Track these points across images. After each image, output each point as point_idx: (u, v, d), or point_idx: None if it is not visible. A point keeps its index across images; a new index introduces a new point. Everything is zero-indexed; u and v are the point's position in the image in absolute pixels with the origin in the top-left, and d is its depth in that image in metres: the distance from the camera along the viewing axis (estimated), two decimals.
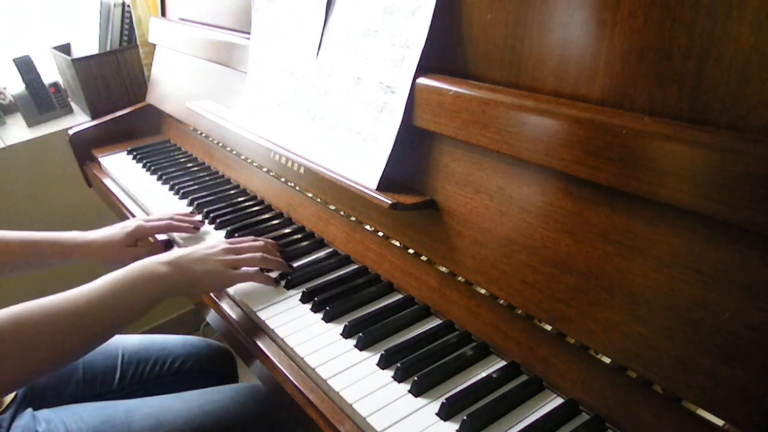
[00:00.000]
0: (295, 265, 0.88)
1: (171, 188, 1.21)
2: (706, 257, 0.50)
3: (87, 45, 1.73)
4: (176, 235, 1.02)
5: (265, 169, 1.11)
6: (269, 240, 0.91)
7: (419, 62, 0.74)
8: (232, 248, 0.84)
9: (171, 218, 1.01)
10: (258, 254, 0.84)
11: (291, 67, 0.99)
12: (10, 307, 0.64)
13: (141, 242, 1.00)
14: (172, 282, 0.76)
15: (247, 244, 0.86)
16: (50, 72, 1.82)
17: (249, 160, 1.16)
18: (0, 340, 0.61)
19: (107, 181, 1.34)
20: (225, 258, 0.81)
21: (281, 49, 1.01)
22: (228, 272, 0.80)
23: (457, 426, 0.59)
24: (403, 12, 0.77)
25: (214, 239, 0.99)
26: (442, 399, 0.62)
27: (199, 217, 1.06)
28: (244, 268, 0.83)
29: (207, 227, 1.04)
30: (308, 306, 0.79)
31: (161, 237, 1.04)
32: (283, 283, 0.84)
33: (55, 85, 1.75)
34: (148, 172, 1.31)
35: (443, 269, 0.76)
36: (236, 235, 0.98)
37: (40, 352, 0.64)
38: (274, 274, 0.85)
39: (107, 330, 0.72)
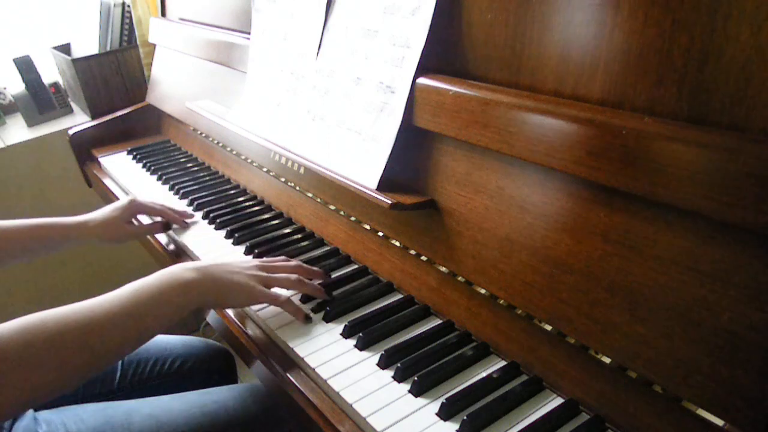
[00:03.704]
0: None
1: (171, 188, 1.21)
2: (706, 257, 0.50)
3: (87, 45, 1.73)
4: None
5: (265, 169, 1.11)
6: (302, 264, 0.83)
7: (419, 62, 0.74)
8: (265, 266, 0.79)
9: (163, 205, 1.04)
10: (293, 276, 0.78)
11: (291, 67, 0.99)
12: (22, 317, 0.59)
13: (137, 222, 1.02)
14: (201, 290, 0.71)
15: (280, 264, 0.80)
16: (50, 72, 1.82)
17: (249, 160, 1.16)
18: (5, 355, 0.55)
19: (107, 181, 1.34)
20: (257, 273, 0.76)
21: (281, 49, 1.01)
22: (258, 288, 0.74)
23: (457, 426, 0.59)
24: (403, 12, 0.77)
25: (211, 237, 1.00)
26: (442, 399, 0.61)
27: (193, 215, 1.07)
28: (276, 289, 0.78)
29: (207, 227, 1.04)
30: (309, 306, 0.79)
31: (158, 218, 1.06)
32: None
33: (55, 85, 1.75)
34: (148, 172, 1.31)
35: (443, 269, 0.76)
36: (236, 235, 0.98)
37: (52, 368, 0.58)
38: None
39: (130, 342, 0.66)
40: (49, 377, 0.58)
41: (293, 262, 0.83)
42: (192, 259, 0.98)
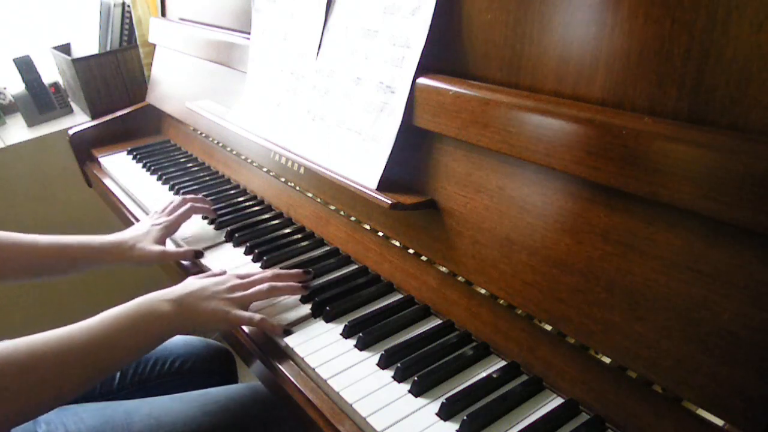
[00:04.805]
0: (292, 263, 0.88)
1: (171, 188, 1.21)
2: (706, 257, 0.50)
3: (87, 45, 1.73)
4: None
5: (265, 169, 1.11)
6: (280, 272, 0.84)
7: (419, 62, 0.74)
8: (241, 284, 0.79)
9: (191, 202, 1.03)
10: (264, 285, 0.79)
11: (291, 67, 0.99)
12: None
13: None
14: (177, 322, 0.72)
15: (256, 278, 0.81)
16: (50, 72, 1.82)
17: (249, 160, 1.16)
18: None
19: (107, 181, 1.34)
20: (231, 296, 0.76)
21: (281, 49, 1.01)
22: (233, 314, 0.74)
23: (457, 426, 0.59)
24: (403, 12, 0.77)
25: (211, 238, 1.00)
26: (442, 399, 0.62)
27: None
28: (254, 304, 0.79)
29: (206, 227, 1.04)
30: (308, 306, 0.79)
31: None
32: None
33: (55, 85, 1.75)
34: (148, 172, 1.31)
35: (443, 269, 0.76)
36: (236, 235, 0.98)
37: (25, 395, 0.58)
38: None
39: (103, 371, 0.67)
40: (16, 407, 0.58)
41: (269, 272, 0.82)
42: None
